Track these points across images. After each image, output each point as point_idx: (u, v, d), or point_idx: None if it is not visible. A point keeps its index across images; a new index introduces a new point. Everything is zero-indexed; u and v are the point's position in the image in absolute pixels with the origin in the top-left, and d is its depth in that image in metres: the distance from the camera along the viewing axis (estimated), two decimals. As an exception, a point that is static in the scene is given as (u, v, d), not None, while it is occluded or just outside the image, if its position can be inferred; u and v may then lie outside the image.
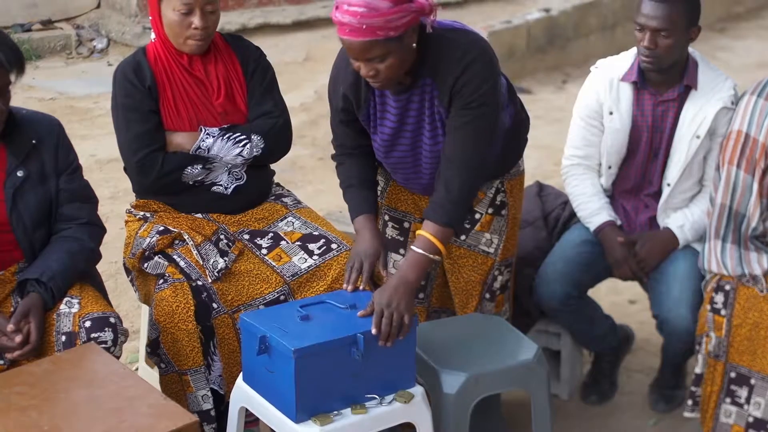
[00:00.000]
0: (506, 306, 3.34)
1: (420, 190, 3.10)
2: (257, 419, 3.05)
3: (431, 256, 2.78)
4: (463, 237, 3.15)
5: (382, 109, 2.90)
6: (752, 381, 3.14)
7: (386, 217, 3.22)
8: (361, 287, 2.82)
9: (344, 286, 2.84)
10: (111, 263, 4.31)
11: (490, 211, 3.15)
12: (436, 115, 2.85)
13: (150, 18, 3.08)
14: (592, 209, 3.46)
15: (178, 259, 2.99)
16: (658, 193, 3.45)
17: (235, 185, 3.13)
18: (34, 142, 2.82)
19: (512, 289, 3.38)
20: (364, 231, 2.92)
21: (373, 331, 2.60)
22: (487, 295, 3.24)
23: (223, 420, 2.93)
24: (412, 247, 2.80)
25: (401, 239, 3.21)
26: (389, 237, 3.22)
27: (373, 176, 3.08)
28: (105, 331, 2.69)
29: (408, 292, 2.70)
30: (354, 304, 2.72)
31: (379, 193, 3.16)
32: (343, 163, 3.05)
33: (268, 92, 3.16)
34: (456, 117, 2.78)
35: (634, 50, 3.38)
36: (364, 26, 2.57)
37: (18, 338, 2.64)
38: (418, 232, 2.82)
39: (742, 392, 3.16)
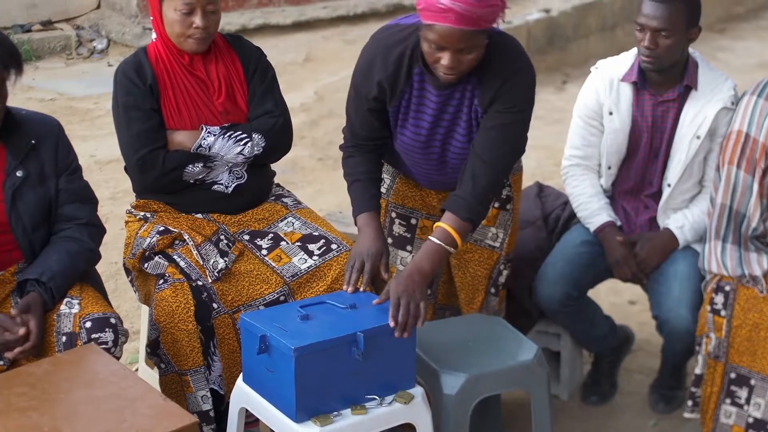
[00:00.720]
0: (503, 304, 3.35)
1: (439, 186, 3.11)
2: (257, 419, 3.05)
3: (448, 247, 2.78)
4: None
5: (419, 102, 2.90)
6: (752, 382, 3.14)
7: (393, 215, 3.22)
8: (361, 289, 2.81)
9: (344, 287, 2.83)
10: (111, 264, 4.31)
11: (496, 205, 3.17)
12: (473, 113, 2.87)
13: (151, 18, 3.08)
14: (592, 210, 3.47)
15: (178, 260, 2.99)
16: (658, 194, 3.45)
17: (235, 184, 3.13)
18: (33, 142, 2.81)
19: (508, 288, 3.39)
20: (367, 229, 2.90)
21: (391, 323, 2.59)
22: (492, 290, 3.25)
23: (223, 420, 2.93)
24: (429, 237, 2.79)
25: (408, 236, 3.21)
26: (396, 234, 3.22)
27: (379, 173, 3.07)
28: (105, 332, 2.69)
29: (423, 280, 2.70)
30: (354, 304, 2.71)
31: (385, 190, 3.16)
32: (353, 156, 3.02)
33: (268, 92, 3.17)
34: (495, 117, 2.81)
35: (634, 50, 3.38)
36: (470, 14, 2.58)
37: (21, 330, 2.62)
38: (437, 224, 2.81)
39: (742, 393, 3.16)
